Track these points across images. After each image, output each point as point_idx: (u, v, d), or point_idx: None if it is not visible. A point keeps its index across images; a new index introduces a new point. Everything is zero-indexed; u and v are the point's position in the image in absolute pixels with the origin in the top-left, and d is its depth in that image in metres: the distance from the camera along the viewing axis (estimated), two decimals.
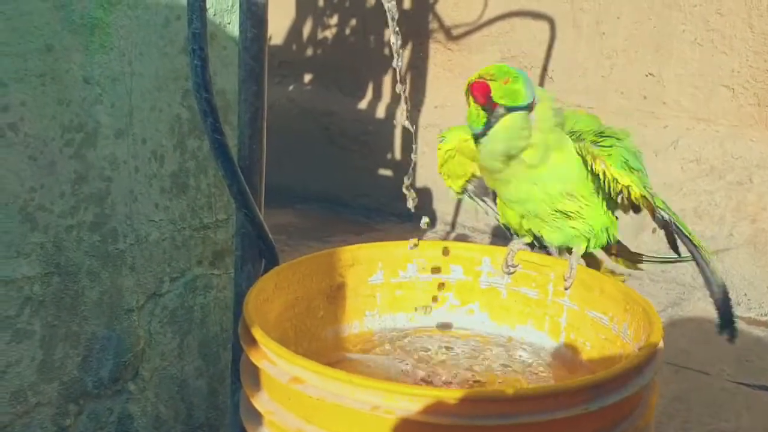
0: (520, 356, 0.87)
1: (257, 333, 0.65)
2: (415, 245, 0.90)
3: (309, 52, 2.79)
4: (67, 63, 0.88)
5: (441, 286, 0.93)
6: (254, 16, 0.85)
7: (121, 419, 1.00)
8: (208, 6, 1.01)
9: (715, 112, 2.02)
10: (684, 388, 1.57)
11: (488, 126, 0.81)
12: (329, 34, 2.74)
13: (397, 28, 0.83)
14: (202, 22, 0.79)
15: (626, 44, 2.12)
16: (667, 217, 0.82)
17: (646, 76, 2.10)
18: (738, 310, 1.94)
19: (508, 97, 0.80)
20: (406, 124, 0.87)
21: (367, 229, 2.37)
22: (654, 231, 2.24)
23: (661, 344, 0.68)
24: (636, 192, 0.80)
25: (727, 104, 2.01)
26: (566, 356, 0.86)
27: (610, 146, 0.81)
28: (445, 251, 0.92)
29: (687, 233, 0.82)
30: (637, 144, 0.86)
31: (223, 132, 0.81)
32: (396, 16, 0.81)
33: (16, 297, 0.87)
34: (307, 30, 2.76)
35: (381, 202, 2.51)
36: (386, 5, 0.79)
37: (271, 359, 0.64)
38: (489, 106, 0.80)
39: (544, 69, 2.26)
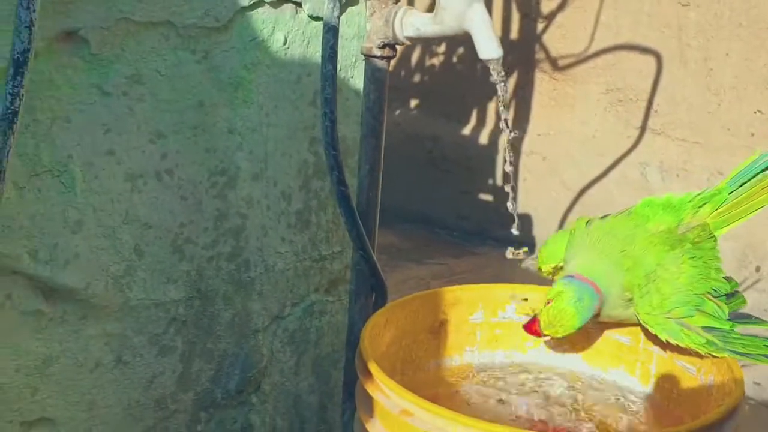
0: (616, 399, 0.93)
1: (373, 367, 0.75)
2: (525, 299, 0.97)
3: (416, 78, 2.90)
4: (215, 117, 1.01)
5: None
6: (376, 80, 0.96)
7: (244, 428, 1.13)
8: None
9: None
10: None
11: None
12: (436, 61, 2.84)
13: (503, 106, 0.91)
14: (333, 88, 0.91)
15: (735, 81, 2.11)
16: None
17: (755, 113, 2.09)
18: None
19: (554, 328, 0.86)
20: (506, 159, 0.93)
21: (466, 253, 2.44)
22: (758, 270, 2.21)
23: (741, 401, 0.73)
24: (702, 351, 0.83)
25: None
26: (655, 402, 0.92)
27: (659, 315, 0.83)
28: (542, 295, 1.00)
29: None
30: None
31: (346, 184, 0.92)
32: (505, 93, 0.89)
33: (164, 317, 1.01)
34: (415, 57, 2.87)
35: (480, 226, 2.59)
36: (494, 79, 0.87)
37: (385, 392, 0.74)
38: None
39: (649, 102, 2.28)
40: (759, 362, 0.82)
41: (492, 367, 1.00)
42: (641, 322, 0.86)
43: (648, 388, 0.93)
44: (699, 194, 0.92)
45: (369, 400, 0.77)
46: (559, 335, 0.86)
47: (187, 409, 1.06)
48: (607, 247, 0.87)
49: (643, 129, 2.29)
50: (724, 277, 0.88)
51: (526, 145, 2.57)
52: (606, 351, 0.97)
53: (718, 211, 0.90)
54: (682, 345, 0.83)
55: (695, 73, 2.17)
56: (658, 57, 2.23)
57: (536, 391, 0.95)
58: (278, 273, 1.12)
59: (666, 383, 0.91)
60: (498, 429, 0.65)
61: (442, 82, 2.80)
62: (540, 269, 0.98)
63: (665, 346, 0.90)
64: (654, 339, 0.90)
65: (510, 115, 2.64)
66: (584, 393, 0.93)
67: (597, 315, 0.87)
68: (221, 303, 1.06)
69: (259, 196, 1.08)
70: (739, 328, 0.85)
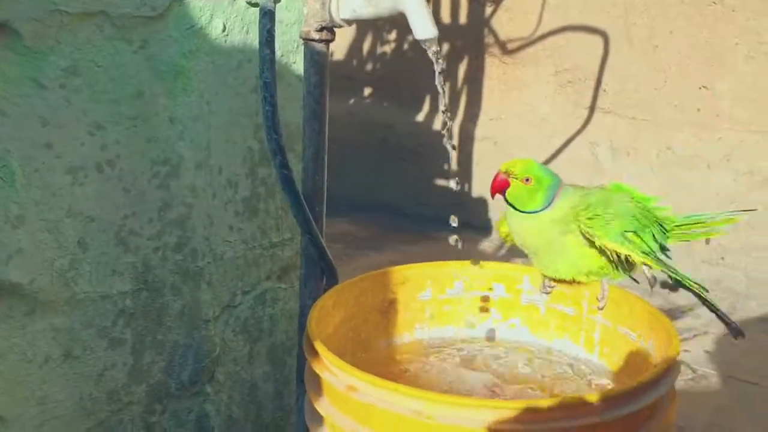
0: (562, 369, 0.95)
1: (319, 347, 0.76)
2: (477, 263, 0.99)
3: (368, 66, 2.90)
4: (155, 106, 1.01)
5: (485, 301, 1.02)
6: (316, 64, 0.96)
7: (199, 418, 1.13)
8: (276, 48, 1.13)
9: None
10: (730, 398, 1.61)
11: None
12: (388, 48, 2.84)
13: (441, 79, 0.92)
14: (272, 72, 0.91)
15: (680, 58, 2.15)
16: (667, 274, 0.86)
17: (700, 89, 2.14)
18: None
19: (519, 201, 0.88)
20: (448, 146, 0.95)
21: (423, 238, 2.46)
22: (707, 242, 2.26)
23: (676, 360, 0.76)
24: (637, 259, 0.85)
25: None
26: (600, 368, 0.94)
27: (606, 222, 0.86)
28: (489, 271, 1.01)
29: (687, 283, 0.87)
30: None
31: (290, 168, 0.92)
32: (442, 68, 0.90)
33: (112, 310, 1.00)
34: (366, 45, 2.88)
35: (436, 212, 2.61)
36: (430, 53, 0.88)
37: (331, 370, 0.74)
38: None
39: (598, 82, 2.32)
40: (689, 285, 0.85)
41: (442, 344, 1.01)
42: (586, 227, 0.87)
43: (593, 355, 0.95)
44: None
45: (317, 380, 0.78)
46: (519, 174, 0.86)
47: (141, 401, 1.05)
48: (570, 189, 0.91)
49: (592, 109, 2.33)
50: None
51: (479, 130, 2.59)
52: (551, 323, 0.99)
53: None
54: (622, 251, 0.85)
55: (641, 52, 2.21)
56: (605, 37, 2.27)
57: (486, 364, 0.96)
58: (227, 262, 1.12)
59: (609, 350, 0.93)
60: (437, 397, 0.67)
61: (394, 70, 2.81)
62: (502, 237, 1.00)
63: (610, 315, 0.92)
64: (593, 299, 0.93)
65: (462, 101, 2.66)
66: (532, 364, 0.95)
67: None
68: (170, 294, 1.06)
69: (204, 184, 1.08)
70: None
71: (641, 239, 0.87)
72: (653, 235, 0.89)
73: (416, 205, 2.67)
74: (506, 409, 0.65)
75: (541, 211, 0.88)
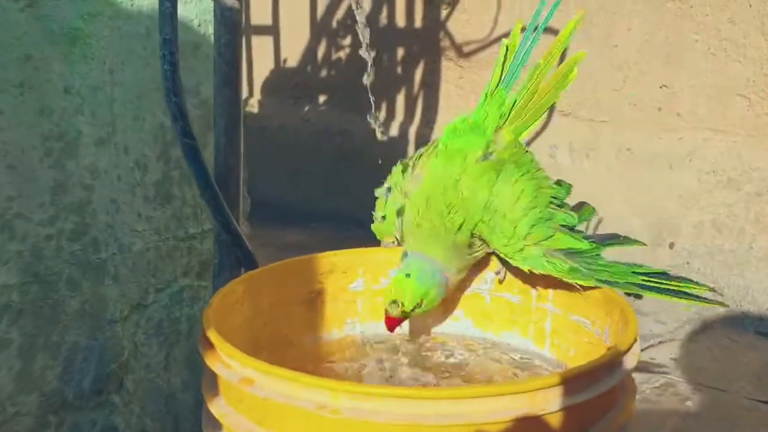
0: (502, 363, 0.84)
1: (212, 335, 0.64)
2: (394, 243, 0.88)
3: (323, 73, 2.80)
4: (47, 73, 0.88)
5: None
6: (227, 21, 0.85)
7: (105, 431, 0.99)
8: (192, 17, 1.02)
9: (732, 122, 1.97)
10: (700, 404, 1.51)
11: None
12: (343, 54, 2.75)
13: (368, 45, 0.83)
14: (173, 27, 0.79)
15: (638, 56, 2.08)
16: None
17: (660, 87, 2.06)
18: (761, 326, 1.88)
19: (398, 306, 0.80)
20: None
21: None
22: (671, 246, 2.19)
23: (634, 344, 0.65)
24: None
25: (743, 114, 1.96)
26: (551, 361, 0.83)
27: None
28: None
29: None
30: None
31: (193, 136, 0.80)
32: (366, 37, 0.82)
33: None
34: (321, 51, 2.78)
35: None
36: (359, 22, 0.79)
37: (224, 361, 0.62)
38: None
39: None
40: (627, 290, 0.75)
41: (377, 340, 0.89)
42: (502, 256, 0.79)
43: (543, 348, 0.84)
44: (485, 102, 0.88)
45: (213, 377, 0.66)
46: (408, 309, 0.79)
47: (32, 411, 0.92)
48: (431, 219, 0.81)
49: (550, 110, 2.25)
50: (554, 183, 0.85)
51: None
52: (497, 314, 0.88)
53: (510, 119, 0.87)
54: (546, 273, 0.76)
55: (600, 51, 2.14)
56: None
57: (423, 361, 0.85)
58: (136, 254, 0.99)
59: (561, 341, 0.82)
60: (345, 387, 0.55)
61: (349, 76, 2.71)
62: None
63: (560, 298, 0.81)
64: (544, 291, 0.82)
65: (419, 107, 2.58)
66: (472, 358, 0.84)
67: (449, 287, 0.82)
68: (65, 289, 0.93)
69: (107, 165, 0.95)
70: (609, 252, 0.78)
71: (562, 234, 0.78)
72: (565, 214, 0.80)
73: (372, 213, 2.56)
74: (425, 399, 0.53)
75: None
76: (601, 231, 2.11)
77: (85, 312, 0.95)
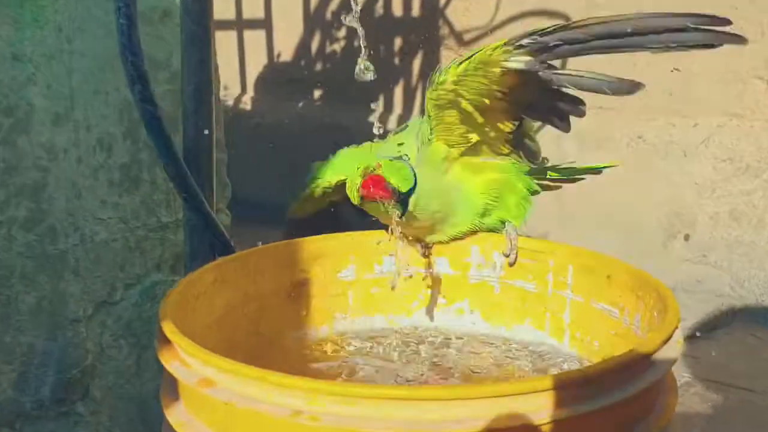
0: (516, 361, 0.73)
1: (168, 329, 0.53)
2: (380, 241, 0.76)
3: (318, 67, 2.70)
4: None
5: (424, 281, 0.80)
6: None
7: None
8: None
9: (749, 107, 1.87)
10: (725, 405, 1.40)
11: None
12: (338, 47, 2.65)
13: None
14: None
15: None
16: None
17: (671, 71, 1.96)
18: None
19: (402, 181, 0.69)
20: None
21: None
22: (687, 239, 2.08)
23: (674, 332, 0.54)
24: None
25: (760, 97, 1.85)
26: (572, 358, 0.72)
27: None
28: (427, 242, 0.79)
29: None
30: None
31: (154, 102, 0.69)
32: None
33: None
34: (315, 45, 2.68)
35: None
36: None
37: (184, 360, 0.51)
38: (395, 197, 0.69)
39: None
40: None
41: (370, 336, 0.78)
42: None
43: (562, 342, 0.73)
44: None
45: (171, 380, 0.54)
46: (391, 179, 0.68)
47: None
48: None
49: None
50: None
51: None
52: (507, 304, 0.77)
53: None
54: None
55: None
56: (568, 20, 2.09)
57: (423, 361, 0.74)
58: (100, 245, 0.88)
59: (584, 333, 0.71)
60: (325, 387, 0.44)
61: (344, 70, 2.60)
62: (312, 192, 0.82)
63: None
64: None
65: (418, 99, 2.47)
66: (482, 355, 0.73)
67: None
68: (19, 284, 0.82)
69: (66, 143, 0.84)
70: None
71: None
72: None
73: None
74: (424, 401, 0.42)
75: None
76: (614, 222, 2.00)
77: (42, 311, 0.84)
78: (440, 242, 0.78)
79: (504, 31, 2.24)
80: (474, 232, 0.77)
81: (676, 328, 0.55)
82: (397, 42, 2.48)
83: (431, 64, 2.43)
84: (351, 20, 0.83)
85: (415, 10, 2.42)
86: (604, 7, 2.04)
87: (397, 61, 2.53)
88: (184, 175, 0.71)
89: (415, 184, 0.69)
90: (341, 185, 0.77)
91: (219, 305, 0.68)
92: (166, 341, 0.54)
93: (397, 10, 2.47)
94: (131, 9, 0.68)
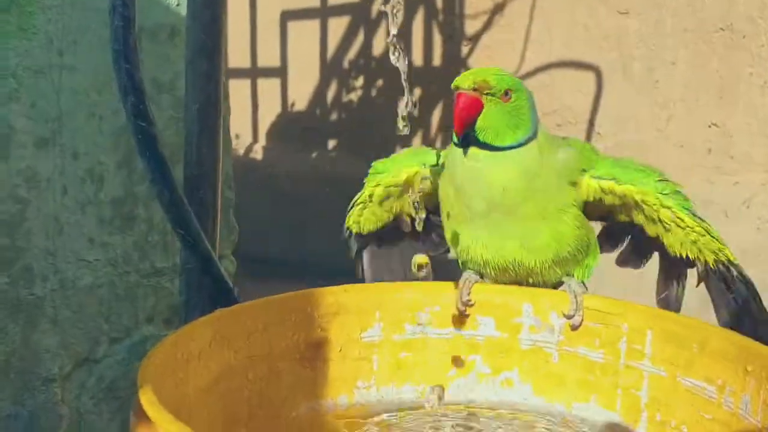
0: None
1: (146, 400, 0.40)
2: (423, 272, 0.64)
3: (334, 116, 2.63)
4: None
5: (465, 345, 0.67)
6: None
7: None
8: None
9: None
10: None
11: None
12: (354, 96, 2.58)
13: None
14: None
15: (684, 92, 1.89)
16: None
17: (709, 126, 1.86)
18: None
19: (495, 131, 0.59)
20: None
21: None
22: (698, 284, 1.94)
23: None
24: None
25: None
26: None
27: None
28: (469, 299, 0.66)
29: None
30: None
31: (150, 118, 0.58)
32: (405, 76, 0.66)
33: None
34: (331, 93, 2.62)
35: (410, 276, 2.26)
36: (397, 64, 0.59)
37: None
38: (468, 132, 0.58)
39: (591, 123, 2.04)
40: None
41: (398, 411, 0.65)
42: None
43: (637, 426, 0.59)
44: None
45: None
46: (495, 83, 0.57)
47: None
48: None
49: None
50: None
51: None
52: (569, 376, 0.64)
53: None
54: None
55: (640, 87, 1.95)
56: (598, 72, 2.01)
57: None
58: (84, 291, 0.76)
59: (667, 415, 0.57)
60: None
61: (361, 120, 2.53)
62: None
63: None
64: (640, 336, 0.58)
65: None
66: None
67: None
68: None
69: (49, 172, 0.73)
70: None
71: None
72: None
73: None
74: None
75: (524, 144, 0.57)
76: (646, 287, 1.87)
77: (11, 367, 0.72)
78: (494, 265, 0.64)
79: (529, 81, 2.16)
80: (528, 274, 0.64)
81: None
82: (417, 92, 2.41)
83: (451, 114, 2.34)
84: (395, 61, 0.73)
85: (436, 60, 2.36)
86: (638, 58, 1.96)
87: (416, 112, 2.44)
88: (181, 205, 0.59)
89: (535, 135, 0.59)
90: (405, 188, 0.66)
91: (217, 369, 0.55)
92: (144, 416, 0.41)
93: (418, 59, 2.40)
94: (128, 9, 0.57)
